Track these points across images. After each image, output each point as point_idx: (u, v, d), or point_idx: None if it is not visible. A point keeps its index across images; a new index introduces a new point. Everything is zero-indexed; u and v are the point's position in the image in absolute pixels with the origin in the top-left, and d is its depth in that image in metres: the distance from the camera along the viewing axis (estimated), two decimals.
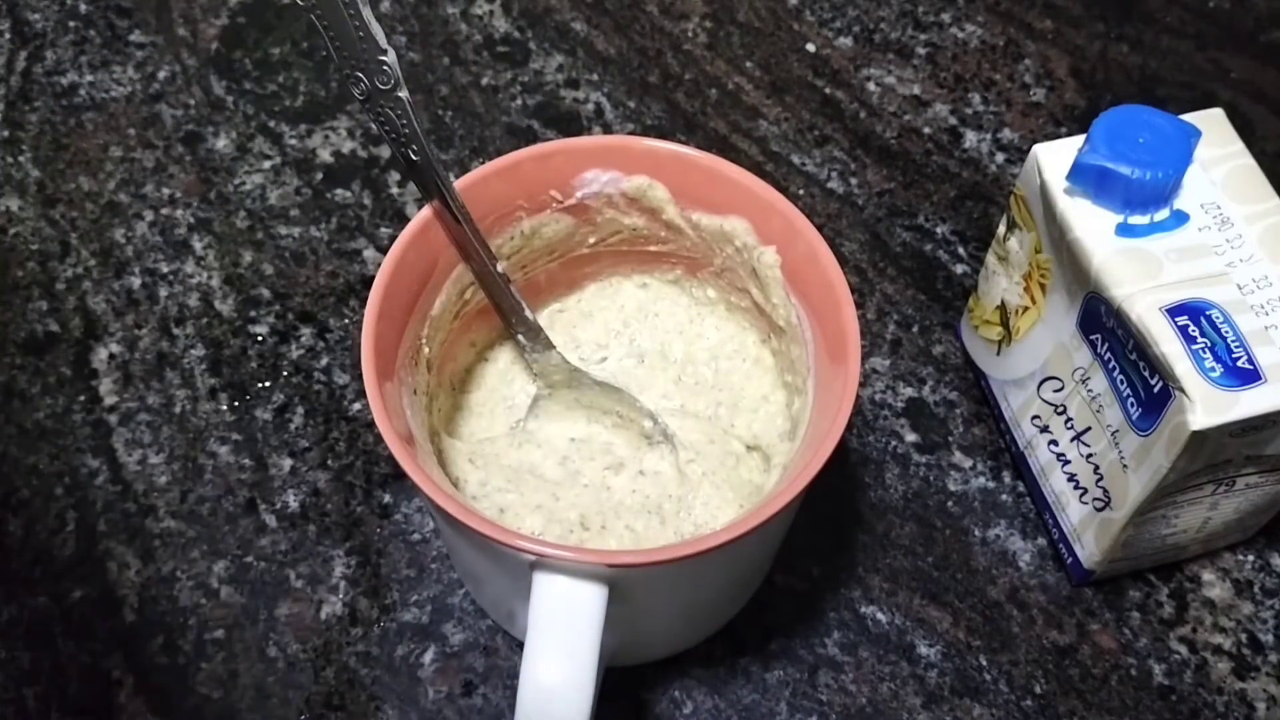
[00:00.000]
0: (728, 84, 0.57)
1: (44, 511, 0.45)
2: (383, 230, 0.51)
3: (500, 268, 0.39)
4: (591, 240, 0.43)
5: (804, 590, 0.44)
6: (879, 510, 0.46)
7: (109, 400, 0.47)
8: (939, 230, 0.52)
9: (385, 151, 0.54)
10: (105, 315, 0.49)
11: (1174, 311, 0.37)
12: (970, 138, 0.55)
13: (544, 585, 0.33)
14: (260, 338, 0.49)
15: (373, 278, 0.37)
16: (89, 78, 0.56)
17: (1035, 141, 0.44)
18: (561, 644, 0.33)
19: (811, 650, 0.43)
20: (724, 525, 0.34)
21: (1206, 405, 0.36)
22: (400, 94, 0.35)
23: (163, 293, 0.50)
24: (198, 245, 0.51)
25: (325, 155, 0.54)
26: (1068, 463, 0.42)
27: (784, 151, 0.54)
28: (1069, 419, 0.42)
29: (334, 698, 0.42)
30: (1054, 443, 0.43)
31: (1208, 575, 0.45)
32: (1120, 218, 0.39)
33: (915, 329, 0.50)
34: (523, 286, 0.43)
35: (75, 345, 0.49)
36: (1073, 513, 0.43)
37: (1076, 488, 0.42)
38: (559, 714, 0.32)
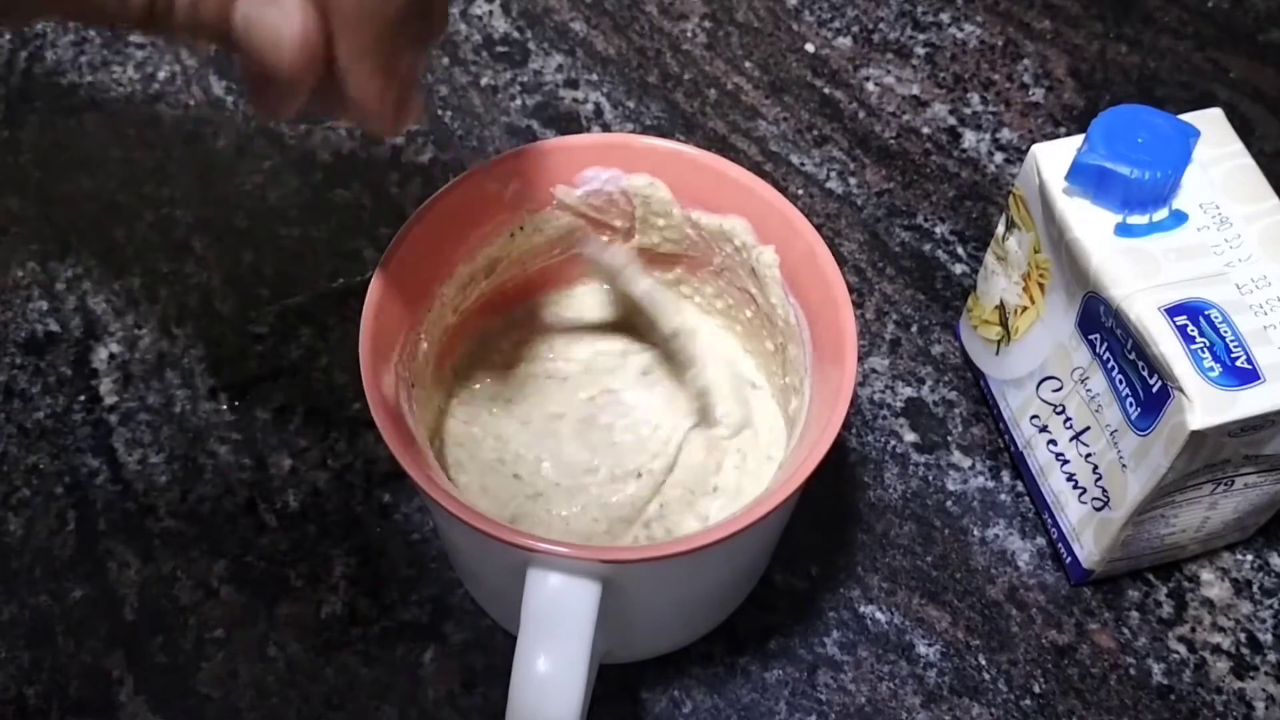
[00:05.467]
0: (727, 84, 0.57)
1: (44, 511, 0.45)
2: (383, 230, 0.52)
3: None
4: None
5: (803, 590, 0.44)
6: (878, 510, 0.46)
7: (109, 400, 0.47)
8: (938, 230, 0.52)
9: (385, 151, 0.54)
10: (105, 315, 0.49)
11: (1173, 311, 0.37)
12: (969, 138, 0.55)
13: (537, 581, 0.33)
14: (260, 337, 0.49)
15: (372, 278, 0.37)
16: (89, 78, 0.56)
17: (1034, 141, 0.44)
18: (554, 639, 0.33)
19: (810, 650, 0.43)
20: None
21: (1205, 405, 0.36)
22: None
23: (163, 293, 0.50)
24: (198, 245, 0.51)
25: (325, 155, 0.54)
26: (1066, 462, 0.42)
27: (783, 151, 0.54)
28: (1068, 419, 0.42)
29: (334, 697, 0.42)
30: (1053, 442, 0.43)
31: (1206, 575, 0.45)
32: (1119, 217, 0.39)
33: (914, 329, 0.50)
34: (523, 283, 0.44)
35: (75, 345, 0.49)
36: (1071, 512, 0.43)
37: (1075, 487, 0.42)
38: (551, 709, 0.32)
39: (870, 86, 0.57)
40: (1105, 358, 0.39)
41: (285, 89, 0.29)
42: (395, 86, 0.30)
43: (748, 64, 0.57)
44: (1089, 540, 0.42)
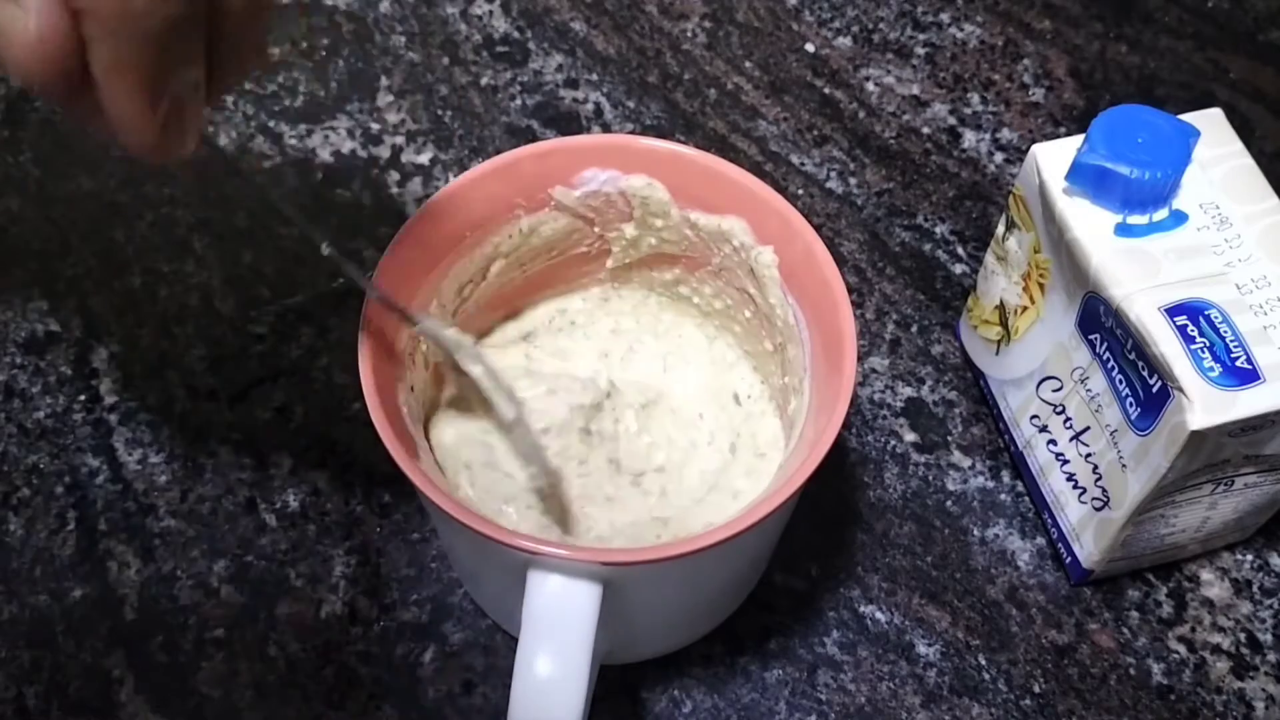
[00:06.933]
0: (727, 84, 0.57)
1: (44, 511, 0.45)
2: (383, 230, 0.51)
3: (367, 284, 0.37)
4: (590, 239, 0.43)
5: (803, 590, 0.44)
6: (878, 510, 0.46)
7: (109, 400, 0.47)
8: (938, 230, 0.52)
9: (385, 151, 0.54)
10: (105, 315, 0.49)
11: (1173, 311, 0.37)
12: (969, 137, 0.55)
13: (538, 583, 0.33)
14: (260, 337, 0.49)
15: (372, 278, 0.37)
16: None
17: (1034, 141, 0.44)
18: (555, 641, 0.33)
19: (810, 649, 0.43)
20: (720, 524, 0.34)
21: (1205, 405, 0.36)
22: None
23: (163, 293, 0.50)
24: (198, 245, 0.51)
25: (325, 155, 0.54)
26: (1066, 462, 0.42)
27: (783, 151, 0.54)
28: (1068, 419, 0.42)
29: (334, 697, 0.42)
30: (1053, 442, 0.43)
31: (1206, 575, 0.45)
32: (1119, 217, 0.39)
33: (914, 329, 0.50)
34: (521, 284, 0.44)
35: (75, 345, 0.49)
36: (1071, 512, 0.43)
37: (1075, 487, 0.42)
38: (552, 711, 0.32)
39: (870, 86, 0.57)
40: (1105, 358, 0.39)
41: (36, 91, 0.26)
42: (162, 109, 0.27)
43: (748, 64, 0.57)
44: (1089, 540, 0.42)
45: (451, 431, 0.41)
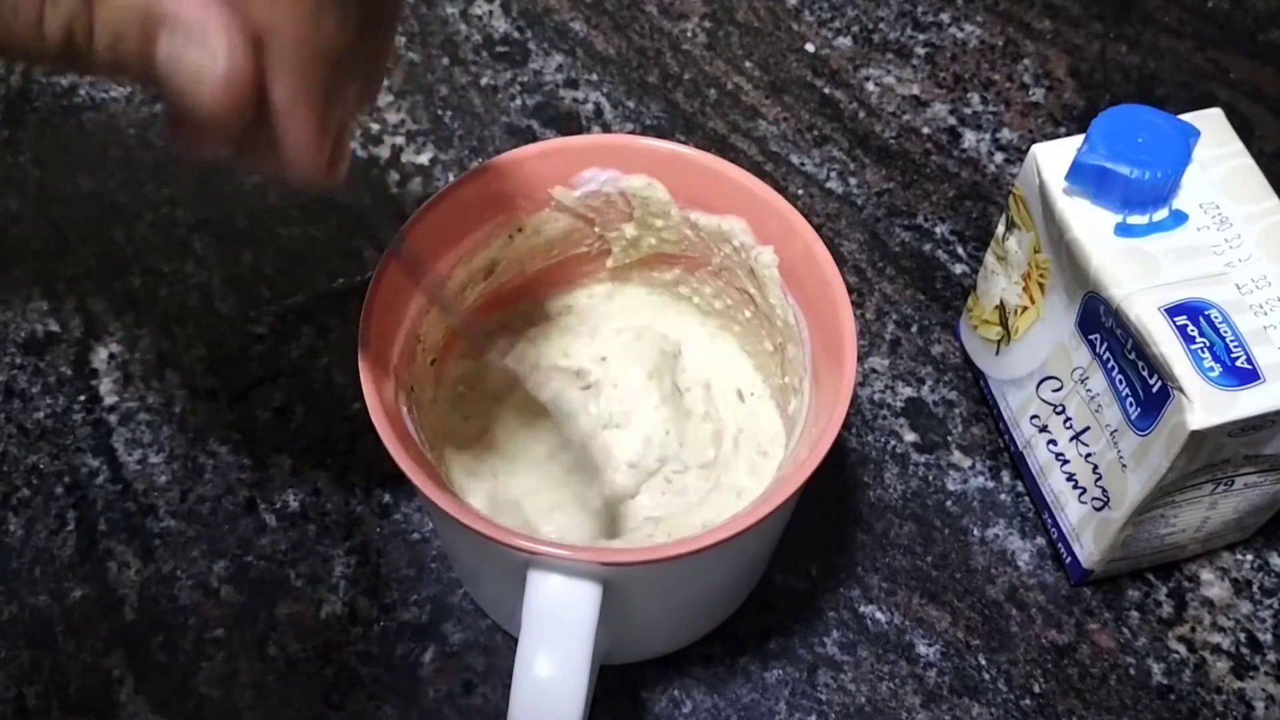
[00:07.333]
0: (727, 84, 0.57)
1: (44, 511, 0.45)
2: (383, 230, 0.52)
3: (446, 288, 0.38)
4: (590, 239, 0.43)
5: (803, 590, 0.44)
6: (878, 510, 0.46)
7: (109, 400, 0.47)
8: (938, 230, 0.52)
9: (385, 151, 0.54)
10: (105, 315, 0.49)
11: (1173, 311, 0.37)
12: (969, 137, 0.55)
13: (538, 583, 0.33)
14: (260, 337, 0.49)
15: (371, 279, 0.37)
16: (89, 78, 0.56)
17: (1034, 141, 0.44)
18: (555, 641, 0.33)
19: (810, 649, 0.43)
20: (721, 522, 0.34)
21: (1205, 405, 0.36)
22: None
23: (163, 292, 0.50)
24: (198, 245, 0.51)
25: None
26: (1066, 462, 0.42)
27: (783, 151, 0.54)
28: (1068, 418, 0.42)
29: (334, 697, 0.42)
30: (1053, 442, 0.43)
31: (1206, 575, 0.45)
32: (1119, 217, 0.39)
33: (914, 329, 0.50)
34: (522, 284, 0.44)
35: (75, 345, 0.49)
36: (1071, 512, 0.43)
37: (1075, 487, 0.42)
38: (553, 711, 0.32)
39: (870, 86, 0.57)
40: (1105, 358, 0.39)
41: (207, 131, 0.27)
42: (330, 135, 0.28)
43: (748, 64, 0.57)
44: (1089, 540, 0.42)
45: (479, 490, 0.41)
